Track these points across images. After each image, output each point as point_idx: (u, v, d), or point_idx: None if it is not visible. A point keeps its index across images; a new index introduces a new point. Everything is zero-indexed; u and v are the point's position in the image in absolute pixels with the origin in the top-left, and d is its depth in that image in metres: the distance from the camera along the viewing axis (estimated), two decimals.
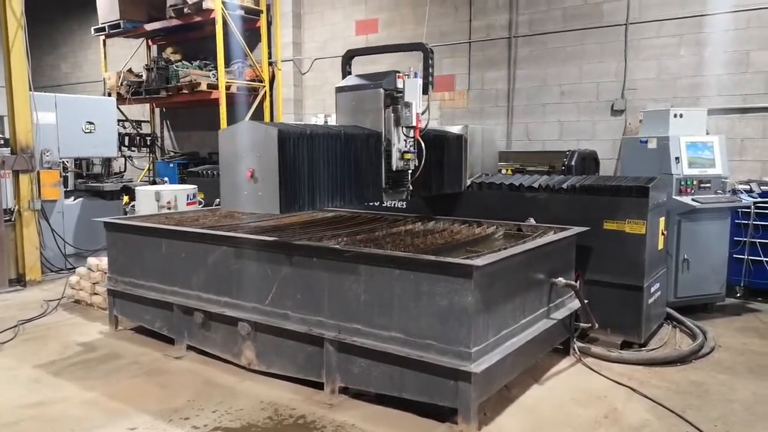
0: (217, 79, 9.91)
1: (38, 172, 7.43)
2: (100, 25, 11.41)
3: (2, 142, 7.73)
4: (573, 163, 6.43)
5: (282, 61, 10.54)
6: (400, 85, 4.09)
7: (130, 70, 11.79)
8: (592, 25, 7.69)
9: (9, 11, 6.82)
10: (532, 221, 5.00)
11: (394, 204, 5.78)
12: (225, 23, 9.74)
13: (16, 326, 5.52)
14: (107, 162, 9.73)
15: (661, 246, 5.02)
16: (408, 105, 4.06)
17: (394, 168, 4.14)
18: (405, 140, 4.18)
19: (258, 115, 10.63)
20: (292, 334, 4.06)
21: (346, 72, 4.55)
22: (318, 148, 3.64)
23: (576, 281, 4.79)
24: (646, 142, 5.87)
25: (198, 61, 10.73)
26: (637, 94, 7.46)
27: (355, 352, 3.76)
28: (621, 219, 4.69)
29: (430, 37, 8.98)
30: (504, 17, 8.33)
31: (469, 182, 5.37)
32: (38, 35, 15.02)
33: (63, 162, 9.09)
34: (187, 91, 10.14)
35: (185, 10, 10.03)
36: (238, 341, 4.40)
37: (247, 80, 10.53)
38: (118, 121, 12.11)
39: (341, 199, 3.87)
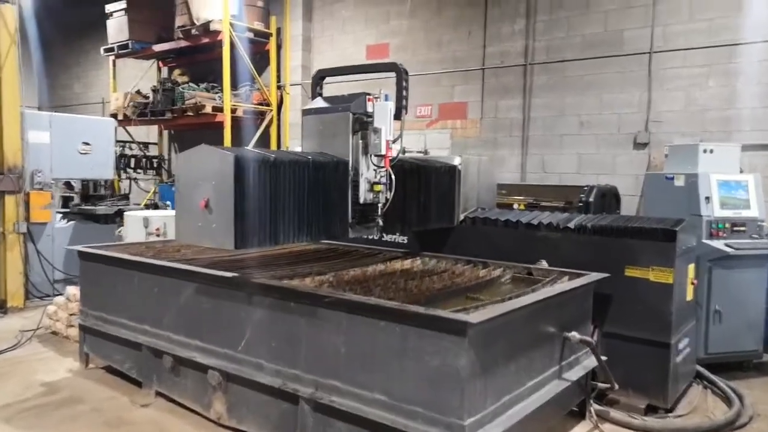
0: (222, 101, 9.61)
1: (28, 194, 7.12)
2: (109, 45, 11.25)
3: None
4: (591, 200, 5.92)
5: (291, 84, 10.23)
6: (370, 108, 3.67)
7: (138, 92, 11.57)
8: (614, 53, 7.22)
9: (2, 27, 6.57)
10: (544, 264, 4.49)
11: (394, 238, 5.32)
12: (234, 46, 9.48)
13: None
14: (110, 184, 9.43)
15: (690, 296, 4.46)
16: (377, 131, 3.63)
17: (361, 200, 3.70)
18: (375, 170, 3.74)
19: (264, 140, 10.31)
20: (265, 388, 3.57)
21: (316, 93, 4.16)
22: (282, 176, 3.24)
23: (593, 333, 4.25)
24: (673, 178, 5.34)
25: (205, 84, 10.47)
26: (662, 127, 6.94)
27: (334, 414, 3.25)
28: (644, 265, 4.15)
29: (443, 62, 8.61)
30: (520, 43, 7.92)
31: (462, 217, 4.91)
32: (52, 56, 15.03)
33: (69, 182, 8.82)
34: (191, 114, 9.85)
35: (193, 31, 9.80)
36: (208, 391, 3.91)
37: (254, 104, 10.23)
38: (125, 142, 11.94)
39: (308, 234, 3.47)
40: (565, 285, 3.86)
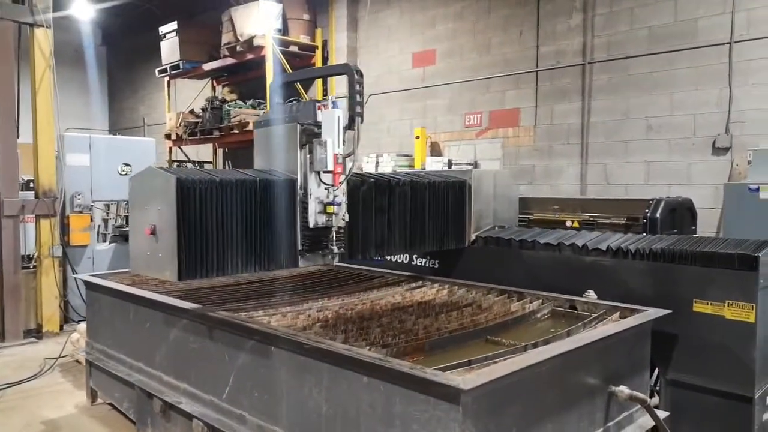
0: None
1: (68, 216, 7.11)
2: (163, 66, 11.37)
3: (32, 184, 7.47)
4: (658, 215, 5.04)
5: (336, 98, 9.85)
6: (320, 118, 3.14)
7: (191, 111, 11.62)
8: (686, 46, 6.33)
9: (37, 51, 6.56)
10: (592, 296, 3.74)
11: (425, 262, 4.74)
12: (278, 61, 9.25)
13: None
14: None
15: None
16: (322, 143, 3.08)
17: (311, 224, 3.16)
18: (327, 189, 3.19)
19: None
20: None
21: (274, 104, 3.68)
22: (229, 199, 2.84)
23: (656, 382, 3.48)
24: (758, 189, 4.45)
25: (251, 100, 10.32)
26: (745, 129, 5.96)
27: None
28: (718, 300, 3.33)
29: (493, 66, 7.96)
30: (577, 41, 7.14)
31: (473, 237, 4.28)
32: (118, 81, 15.56)
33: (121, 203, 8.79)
34: (236, 131, 9.69)
35: (237, 48, 9.68)
36: None
37: None
38: (180, 161, 12.01)
39: (256, 263, 3.07)
40: (612, 326, 3.12)
